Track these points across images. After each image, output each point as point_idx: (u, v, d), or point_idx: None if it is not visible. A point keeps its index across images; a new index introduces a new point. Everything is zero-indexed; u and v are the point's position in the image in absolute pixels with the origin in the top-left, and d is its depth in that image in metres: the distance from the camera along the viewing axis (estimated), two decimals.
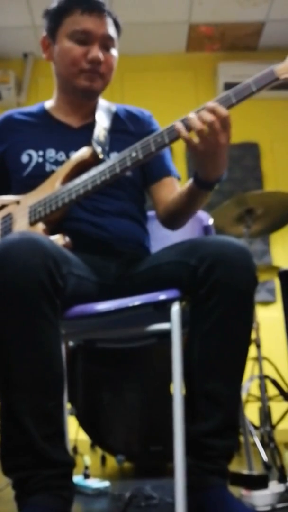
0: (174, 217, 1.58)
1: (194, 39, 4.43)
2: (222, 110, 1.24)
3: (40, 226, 1.44)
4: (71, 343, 2.17)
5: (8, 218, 1.53)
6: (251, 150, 4.38)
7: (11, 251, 1.14)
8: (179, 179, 1.67)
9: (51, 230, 1.44)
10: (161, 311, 1.29)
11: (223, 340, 1.23)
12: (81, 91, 1.56)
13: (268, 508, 1.39)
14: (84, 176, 1.41)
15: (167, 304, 1.28)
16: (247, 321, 1.27)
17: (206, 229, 1.88)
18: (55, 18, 1.55)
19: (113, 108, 1.68)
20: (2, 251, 1.15)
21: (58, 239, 1.38)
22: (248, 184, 4.25)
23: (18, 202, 1.54)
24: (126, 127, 1.64)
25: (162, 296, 1.29)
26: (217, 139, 1.25)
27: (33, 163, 1.54)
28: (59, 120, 1.63)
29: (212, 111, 1.24)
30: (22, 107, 1.72)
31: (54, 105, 1.66)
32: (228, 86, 4.32)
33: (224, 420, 1.23)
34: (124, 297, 1.36)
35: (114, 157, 1.40)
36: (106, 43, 1.53)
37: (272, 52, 4.45)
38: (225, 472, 1.24)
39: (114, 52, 1.56)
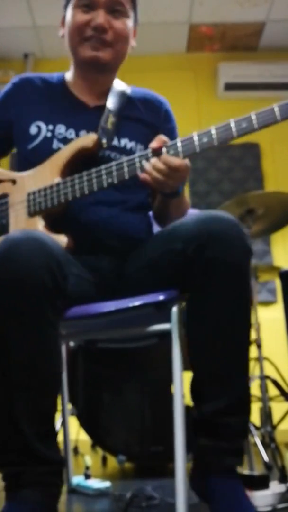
0: (159, 219, 1.61)
1: (194, 40, 4.43)
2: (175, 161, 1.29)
3: (40, 222, 1.41)
4: (72, 344, 2.17)
5: (4, 202, 1.48)
6: (251, 150, 4.38)
7: (14, 250, 1.13)
8: None
9: (50, 224, 1.41)
10: (161, 311, 1.29)
11: (222, 319, 1.20)
12: (87, 61, 1.49)
13: (269, 508, 1.39)
14: (90, 173, 1.36)
15: (168, 304, 1.28)
16: (245, 297, 1.22)
17: None
18: None
19: (128, 91, 1.61)
20: (5, 250, 1.14)
21: (60, 239, 1.36)
22: (249, 185, 4.25)
23: (14, 181, 1.49)
24: (140, 115, 1.58)
25: (162, 296, 1.29)
26: (173, 184, 1.32)
27: (41, 137, 1.49)
28: (75, 96, 1.57)
29: (165, 162, 1.28)
30: (42, 73, 1.64)
31: (71, 79, 1.60)
32: (228, 86, 4.35)
33: (235, 397, 1.20)
34: (122, 296, 1.35)
35: (126, 158, 1.35)
36: (113, 7, 1.45)
37: (273, 52, 4.46)
38: (241, 451, 1.21)
39: (125, 21, 1.48)
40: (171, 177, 1.29)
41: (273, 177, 4.35)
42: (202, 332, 1.22)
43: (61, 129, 1.50)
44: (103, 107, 1.54)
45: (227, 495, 1.16)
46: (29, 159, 1.49)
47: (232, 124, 1.25)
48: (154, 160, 1.29)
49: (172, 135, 1.58)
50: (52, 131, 1.50)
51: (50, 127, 1.50)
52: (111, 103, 1.55)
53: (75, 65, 1.57)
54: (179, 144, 1.30)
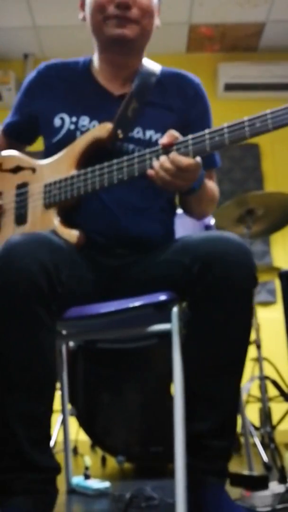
0: (185, 212, 1.58)
1: (194, 40, 4.43)
2: (183, 160, 1.24)
3: (54, 216, 1.40)
4: (71, 344, 2.17)
5: (24, 191, 1.48)
6: (251, 151, 4.38)
7: (13, 254, 1.14)
8: (217, 166, 1.62)
9: (64, 217, 1.41)
10: (161, 312, 1.29)
11: (220, 341, 1.20)
12: (112, 40, 1.42)
13: (268, 509, 1.38)
14: (103, 167, 1.34)
15: (168, 305, 1.28)
16: (245, 321, 1.23)
17: (207, 229, 1.89)
18: None
19: (157, 73, 1.53)
20: (3, 253, 1.15)
21: (71, 233, 1.37)
22: (249, 185, 4.25)
23: (34, 170, 1.49)
24: (168, 100, 1.49)
25: (162, 297, 1.29)
26: (182, 184, 1.28)
27: (64, 130, 1.46)
28: (100, 84, 1.51)
29: (173, 162, 1.24)
30: (68, 59, 1.59)
31: (96, 65, 1.54)
32: (228, 87, 4.34)
33: (221, 421, 1.21)
34: (120, 296, 1.35)
35: (137, 154, 1.31)
36: None
37: (273, 52, 4.45)
38: (222, 472, 1.23)
39: None
40: (178, 177, 1.25)
41: (273, 178, 4.35)
42: (198, 352, 1.23)
43: (84, 121, 1.46)
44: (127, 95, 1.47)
45: (212, 508, 1.16)
46: (54, 153, 1.47)
47: (246, 123, 1.20)
48: (162, 159, 1.25)
49: (200, 120, 1.52)
50: (76, 123, 1.46)
51: (74, 119, 1.47)
52: (136, 87, 1.47)
53: (99, 49, 1.51)
54: (190, 142, 1.25)
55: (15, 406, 1.12)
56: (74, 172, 1.40)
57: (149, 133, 1.45)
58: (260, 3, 4.00)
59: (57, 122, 1.48)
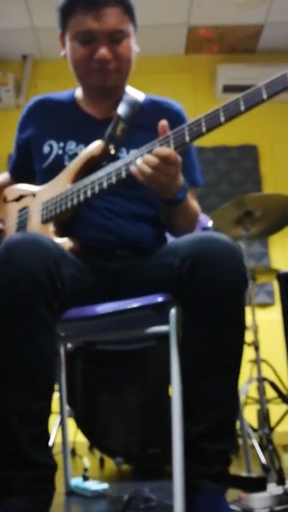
0: (168, 229, 1.60)
1: (193, 42, 4.44)
2: (164, 151, 1.26)
3: (51, 228, 1.47)
4: (69, 345, 2.17)
5: (24, 213, 1.57)
6: (250, 153, 4.39)
7: (13, 251, 1.15)
8: (199, 185, 1.61)
9: (62, 230, 1.46)
10: (160, 313, 1.29)
11: (213, 342, 1.19)
12: (95, 90, 1.52)
13: (266, 510, 1.38)
14: (93, 177, 1.40)
15: (166, 306, 1.28)
16: (237, 322, 1.22)
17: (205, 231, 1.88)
18: (61, 19, 1.52)
19: (140, 99, 1.61)
20: (4, 251, 1.16)
21: (65, 242, 1.40)
22: (247, 187, 4.26)
23: (34, 195, 1.57)
24: (151, 123, 1.48)
25: (160, 298, 1.29)
26: (164, 180, 1.29)
27: (52, 155, 1.54)
28: (84, 111, 1.60)
29: (154, 154, 1.27)
30: (54, 93, 1.69)
31: (80, 96, 1.63)
32: (227, 88, 4.34)
33: (219, 422, 1.20)
34: (120, 298, 1.36)
35: (123, 159, 1.37)
36: (113, 37, 1.45)
37: (271, 54, 4.47)
38: (220, 477, 1.20)
39: (126, 42, 1.48)
40: (161, 170, 1.27)
41: (271, 179, 4.36)
42: (192, 353, 1.22)
43: (71, 145, 1.54)
44: (112, 118, 1.54)
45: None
46: (44, 178, 1.55)
47: (221, 110, 1.26)
48: (146, 156, 1.29)
49: None
50: (63, 148, 1.54)
51: (61, 144, 1.55)
52: (121, 110, 1.56)
53: (82, 88, 1.59)
54: (171, 136, 1.30)
55: (15, 405, 1.12)
56: (68, 187, 1.46)
57: (132, 152, 1.48)
58: (258, 5, 4.01)
59: (45, 149, 1.56)
